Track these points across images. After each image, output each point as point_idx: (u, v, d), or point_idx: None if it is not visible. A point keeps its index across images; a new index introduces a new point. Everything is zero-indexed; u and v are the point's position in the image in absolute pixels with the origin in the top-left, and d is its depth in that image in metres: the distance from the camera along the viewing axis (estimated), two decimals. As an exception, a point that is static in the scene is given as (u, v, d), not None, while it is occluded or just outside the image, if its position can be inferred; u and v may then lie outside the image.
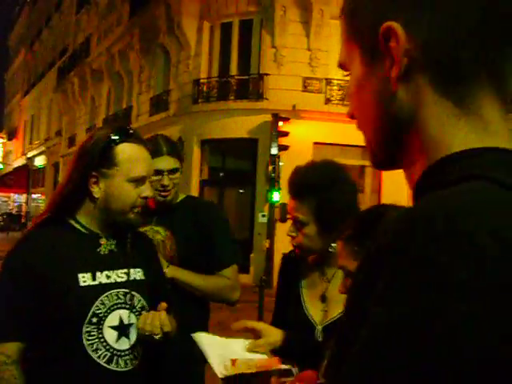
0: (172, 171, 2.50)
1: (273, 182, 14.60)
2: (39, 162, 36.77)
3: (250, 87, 16.03)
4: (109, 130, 1.81)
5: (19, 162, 42.25)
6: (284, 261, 2.26)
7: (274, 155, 14.57)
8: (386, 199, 14.73)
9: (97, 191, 1.77)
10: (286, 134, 14.74)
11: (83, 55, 27.67)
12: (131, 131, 1.84)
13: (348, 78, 0.74)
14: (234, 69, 16.81)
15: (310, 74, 15.68)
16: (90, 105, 27.86)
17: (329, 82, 15.69)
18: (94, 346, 1.70)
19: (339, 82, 15.87)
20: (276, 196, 14.56)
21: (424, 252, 0.50)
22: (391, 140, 0.69)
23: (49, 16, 37.66)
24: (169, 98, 18.76)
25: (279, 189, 14.59)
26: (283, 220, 14.99)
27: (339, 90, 15.74)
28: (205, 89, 16.88)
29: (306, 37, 15.87)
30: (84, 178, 1.77)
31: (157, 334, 1.73)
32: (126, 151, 1.78)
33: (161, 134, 2.62)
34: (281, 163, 14.61)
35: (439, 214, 0.52)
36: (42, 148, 35.36)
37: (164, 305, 1.81)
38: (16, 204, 44.66)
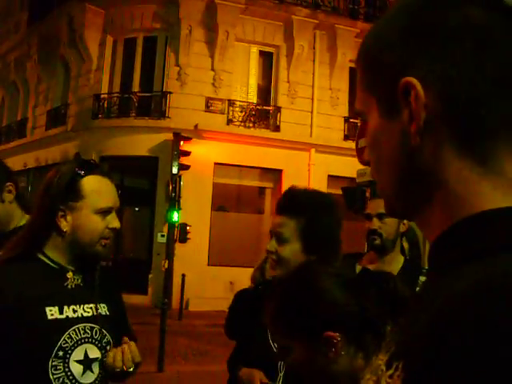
0: None
1: (173, 202, 14.40)
2: None
3: (152, 105, 15.84)
4: (73, 165, 1.86)
5: None
6: (238, 297, 2.33)
7: (174, 174, 14.39)
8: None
9: (65, 225, 1.80)
10: (187, 153, 14.64)
11: (-25, 62, 26.18)
12: (95, 164, 1.90)
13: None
14: (136, 85, 16.54)
15: (213, 95, 15.76)
16: (-18, 114, 26.36)
17: (231, 103, 15.83)
18: (60, 380, 1.71)
19: (241, 103, 16.08)
20: (176, 216, 14.37)
21: None
22: (410, 193, 0.67)
23: None
24: (67, 111, 18.16)
25: (179, 209, 14.42)
26: (182, 240, 14.83)
27: (241, 112, 15.93)
28: (105, 104, 16.47)
29: (211, 57, 15.96)
30: (52, 212, 1.80)
31: (130, 367, 1.76)
32: (92, 183, 1.83)
33: None
34: (181, 183, 14.48)
35: None
36: None
37: (126, 339, 1.84)
38: None
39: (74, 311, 1.80)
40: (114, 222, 1.86)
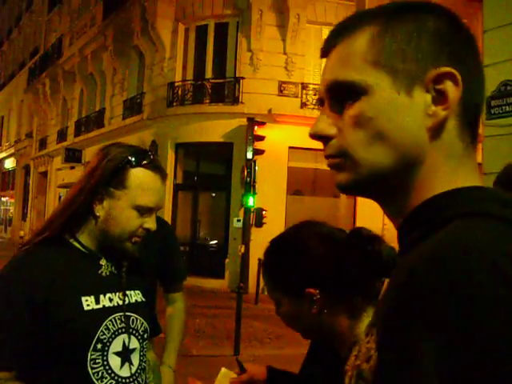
0: None
1: (248, 187, 14.47)
2: (9, 164, 36.06)
3: (225, 91, 15.90)
4: (126, 150, 1.72)
5: (-12, 164, 41.36)
6: None
7: (249, 159, 14.44)
8: (360, 203, 14.69)
9: (99, 209, 1.68)
10: (261, 138, 14.64)
11: (55, 56, 27.22)
12: (151, 157, 1.74)
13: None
14: (209, 72, 16.66)
15: (286, 78, 15.63)
16: (62, 106, 27.44)
17: (304, 86, 15.66)
18: (100, 375, 1.62)
19: (315, 86, 15.85)
20: (251, 201, 14.43)
21: (485, 290, 0.53)
22: (406, 171, 0.71)
23: (19, 16, 37.01)
24: (143, 100, 18.54)
25: (254, 193, 14.46)
26: (258, 225, 14.87)
27: (315, 95, 15.71)
28: (179, 92, 16.68)
29: (282, 41, 15.81)
30: (92, 193, 1.68)
31: None
32: (140, 177, 1.69)
33: None
34: (256, 167, 14.50)
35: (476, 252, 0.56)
36: (12, 150, 34.67)
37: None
38: (-16, 207, 43.66)
39: (111, 300, 1.70)
40: (150, 222, 1.73)
